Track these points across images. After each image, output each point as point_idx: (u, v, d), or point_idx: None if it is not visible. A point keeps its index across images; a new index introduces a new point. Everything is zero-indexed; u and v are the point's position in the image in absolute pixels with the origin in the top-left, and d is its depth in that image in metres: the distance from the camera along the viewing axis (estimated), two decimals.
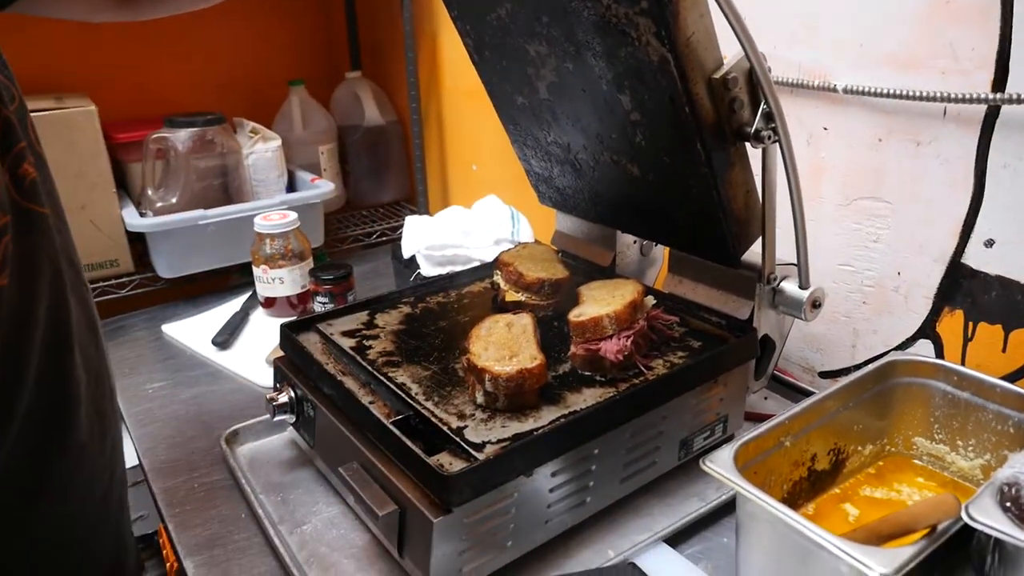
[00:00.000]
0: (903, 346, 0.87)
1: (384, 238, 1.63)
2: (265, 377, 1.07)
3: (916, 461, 0.78)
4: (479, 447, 0.66)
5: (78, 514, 0.63)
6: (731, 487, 0.61)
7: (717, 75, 0.69)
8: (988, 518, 0.51)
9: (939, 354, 0.85)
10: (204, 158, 1.38)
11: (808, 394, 0.93)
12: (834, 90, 0.85)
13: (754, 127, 0.71)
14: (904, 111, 0.81)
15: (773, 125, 0.71)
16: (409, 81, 1.57)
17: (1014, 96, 0.71)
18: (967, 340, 0.82)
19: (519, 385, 0.70)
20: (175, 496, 0.84)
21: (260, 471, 0.87)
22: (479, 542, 0.66)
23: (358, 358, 0.82)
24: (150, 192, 1.37)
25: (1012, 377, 0.77)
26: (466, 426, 0.70)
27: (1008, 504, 0.53)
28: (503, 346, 0.76)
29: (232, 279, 1.47)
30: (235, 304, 1.30)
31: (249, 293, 1.34)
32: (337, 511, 0.80)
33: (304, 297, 1.25)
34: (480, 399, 0.72)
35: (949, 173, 0.79)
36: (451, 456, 0.67)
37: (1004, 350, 0.79)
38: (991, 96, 0.73)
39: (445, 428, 0.70)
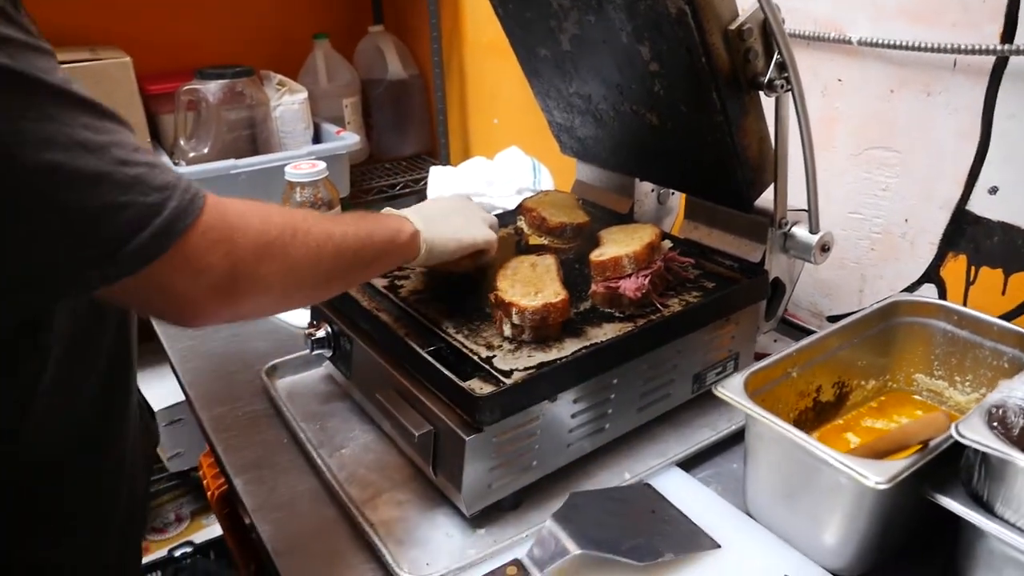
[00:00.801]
0: (909, 290, 0.92)
1: (407, 190, 1.68)
2: (299, 317, 1.13)
3: (916, 396, 0.83)
4: (507, 374, 0.72)
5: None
6: (740, 409, 0.66)
7: (733, 26, 0.72)
8: (976, 434, 0.56)
9: (942, 297, 0.89)
10: (234, 109, 1.42)
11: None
12: (849, 42, 0.88)
13: (767, 76, 0.74)
14: (916, 62, 0.84)
15: (786, 75, 0.75)
16: (432, 35, 1.60)
17: (1022, 47, 0.74)
18: (969, 284, 0.86)
19: (544, 318, 0.75)
20: (221, 423, 0.91)
21: (298, 402, 0.94)
22: (506, 461, 0.71)
23: (391, 296, 0.88)
24: (183, 142, 1.41)
25: (1009, 316, 0.82)
26: (495, 356, 0.75)
27: (995, 424, 0.58)
28: (528, 283, 0.81)
29: None
30: None
31: None
32: (372, 437, 0.87)
33: None
34: (508, 332, 0.78)
35: (957, 123, 0.82)
36: (481, 382, 0.72)
37: (1004, 292, 0.83)
38: (1000, 47, 0.76)
39: (475, 357, 0.75)
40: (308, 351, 0.93)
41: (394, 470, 0.81)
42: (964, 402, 0.80)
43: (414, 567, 0.68)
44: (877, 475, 0.57)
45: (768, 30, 0.73)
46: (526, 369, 0.72)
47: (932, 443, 0.60)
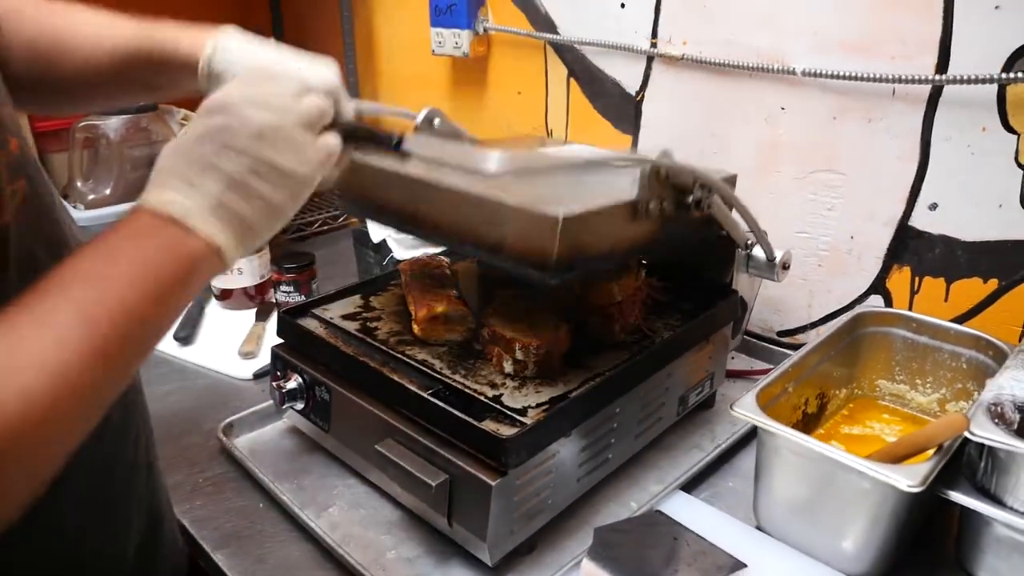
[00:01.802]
0: (856, 302, 0.98)
1: (325, 227, 1.60)
2: (239, 369, 1.05)
3: (880, 401, 0.89)
4: (522, 412, 0.70)
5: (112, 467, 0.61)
6: (759, 425, 0.68)
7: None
8: (986, 431, 0.61)
9: (888, 307, 0.96)
10: (138, 146, 1.31)
11: (773, 343, 1.03)
12: (793, 73, 0.94)
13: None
14: (857, 91, 0.91)
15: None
16: (348, 68, 1.55)
17: (955, 77, 0.82)
18: (913, 293, 0.93)
19: (549, 352, 0.74)
20: (182, 492, 0.82)
21: (265, 460, 0.86)
22: (527, 502, 0.69)
23: (368, 339, 0.83)
24: (79, 184, 1.28)
25: (955, 322, 0.89)
26: (501, 394, 0.73)
27: (996, 420, 0.63)
28: (521, 318, 0.79)
29: None
30: None
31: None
32: (358, 492, 0.81)
33: (263, 288, 1.23)
34: (508, 368, 0.75)
35: (898, 146, 0.89)
36: (495, 423, 0.69)
37: (946, 300, 0.90)
38: (935, 77, 0.84)
39: (481, 398, 0.72)
40: (275, 404, 0.86)
41: (392, 525, 0.76)
42: (926, 402, 0.86)
43: None
44: (909, 479, 0.59)
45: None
46: (539, 406, 0.71)
47: (946, 444, 0.64)
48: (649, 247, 0.75)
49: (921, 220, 0.90)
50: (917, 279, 0.93)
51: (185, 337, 1.11)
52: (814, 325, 1.04)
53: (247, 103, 0.50)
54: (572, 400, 0.71)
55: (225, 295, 1.22)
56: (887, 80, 0.87)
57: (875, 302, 0.96)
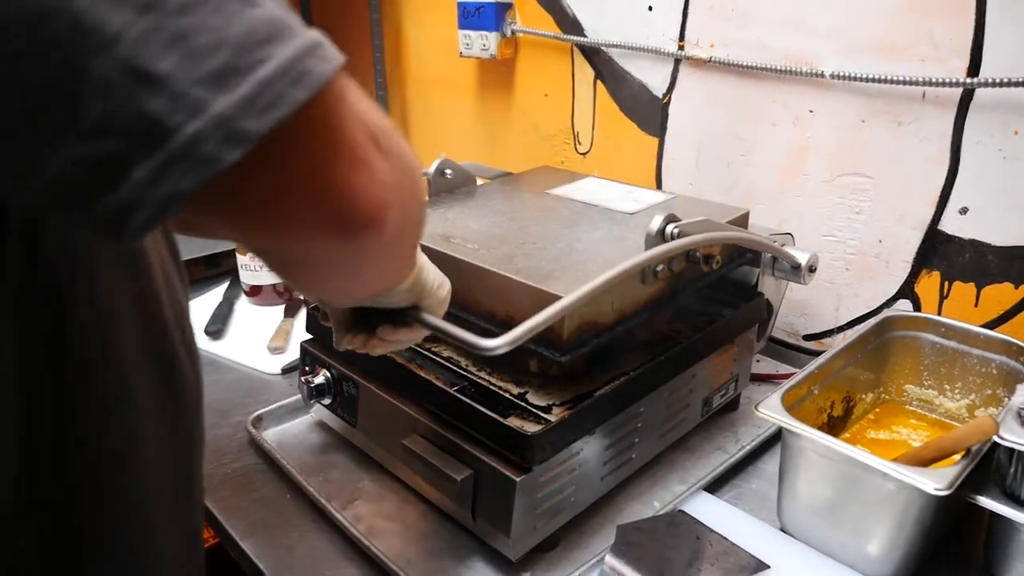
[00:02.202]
0: (884, 306, 0.97)
1: None
2: (268, 364, 1.07)
3: (908, 406, 0.88)
4: (547, 409, 0.70)
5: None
6: (784, 426, 0.68)
7: None
8: (1016, 436, 0.60)
9: (917, 311, 0.95)
10: None
11: (799, 350, 1.03)
12: (821, 76, 0.94)
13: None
14: (887, 94, 0.90)
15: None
16: (376, 69, 1.57)
17: (987, 80, 0.81)
18: (943, 298, 0.92)
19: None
20: (210, 482, 0.83)
21: (292, 453, 0.88)
22: (550, 499, 0.70)
23: None
24: None
25: (985, 327, 0.88)
26: (526, 392, 0.73)
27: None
28: None
29: (198, 271, 1.43)
30: (215, 295, 1.28)
31: (227, 283, 1.31)
32: (384, 486, 0.82)
33: (291, 288, 1.24)
34: (534, 367, 0.76)
35: (927, 150, 0.89)
36: (520, 420, 0.70)
37: (976, 305, 0.90)
38: (966, 80, 0.83)
39: (506, 395, 0.73)
40: (303, 399, 0.88)
41: (418, 519, 0.77)
42: (954, 408, 0.85)
43: None
44: (937, 482, 0.59)
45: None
46: (564, 404, 0.71)
47: (974, 448, 0.63)
48: (662, 304, 0.78)
49: (951, 224, 0.89)
50: (946, 284, 0.92)
51: (216, 332, 1.14)
52: (841, 329, 1.03)
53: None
54: (597, 399, 0.71)
55: (254, 291, 1.24)
56: (917, 83, 0.86)
57: (903, 307, 0.96)
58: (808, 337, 1.07)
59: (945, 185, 0.88)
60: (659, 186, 1.19)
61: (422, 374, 0.76)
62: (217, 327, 1.14)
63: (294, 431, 0.93)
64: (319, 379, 0.86)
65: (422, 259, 0.53)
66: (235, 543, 0.76)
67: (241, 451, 0.89)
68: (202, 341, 1.13)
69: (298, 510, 0.80)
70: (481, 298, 0.75)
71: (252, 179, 0.31)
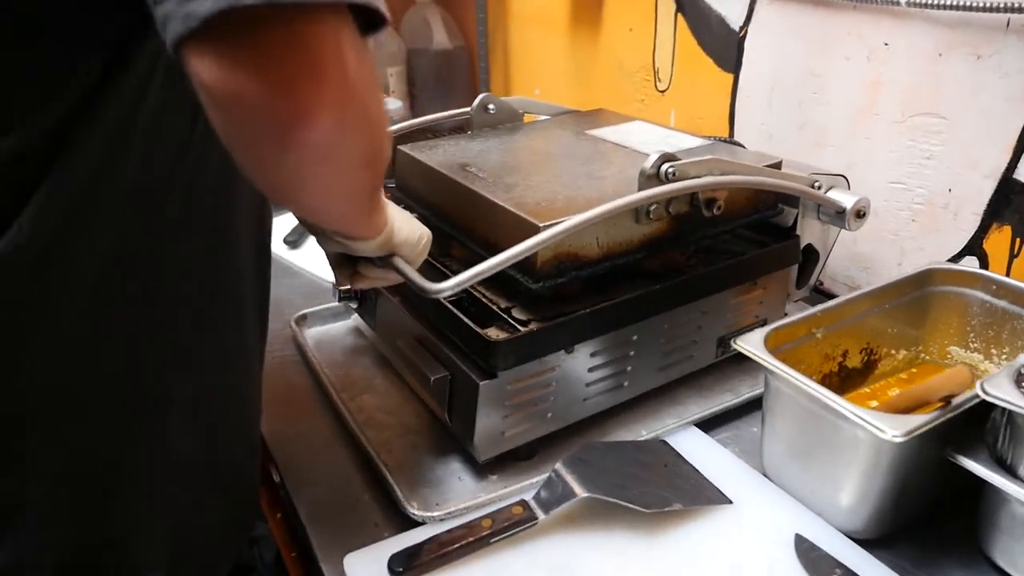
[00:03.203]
0: (951, 262, 0.88)
1: None
2: (331, 273, 1.15)
3: (950, 369, 0.80)
4: (524, 323, 0.72)
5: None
6: (758, 362, 0.65)
7: None
8: (1002, 392, 0.54)
9: (984, 270, 0.85)
10: None
11: None
12: (897, 3, 0.85)
13: None
14: (967, 23, 0.80)
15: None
16: (477, 5, 1.60)
17: None
18: (1013, 256, 0.82)
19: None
20: None
21: (325, 351, 0.95)
22: (521, 410, 0.72)
23: None
24: None
25: None
26: (513, 306, 0.75)
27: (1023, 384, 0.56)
28: None
29: None
30: None
31: None
32: (394, 385, 0.88)
33: None
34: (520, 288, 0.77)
35: (1008, 87, 0.79)
36: (499, 330, 0.72)
37: None
38: None
39: (494, 307, 0.75)
40: (336, 299, 0.95)
41: (412, 416, 0.82)
42: None
43: (424, 505, 0.69)
44: (894, 428, 0.55)
45: None
46: (543, 320, 0.72)
47: (955, 400, 0.58)
48: (660, 246, 0.75)
49: None
50: (1018, 240, 0.82)
51: (293, 241, 1.24)
52: None
53: None
54: (574, 317, 0.72)
55: None
56: (1000, 9, 0.76)
57: (969, 264, 0.86)
58: None
59: None
60: (731, 126, 1.14)
61: None
62: (295, 237, 1.24)
63: (333, 332, 1.01)
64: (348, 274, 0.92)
65: (395, 221, 0.62)
66: None
67: (285, 343, 0.98)
68: (281, 249, 1.24)
69: (314, 396, 0.87)
70: (476, 224, 0.77)
71: (241, 37, 0.36)
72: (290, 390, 0.89)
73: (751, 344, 0.66)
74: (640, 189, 0.69)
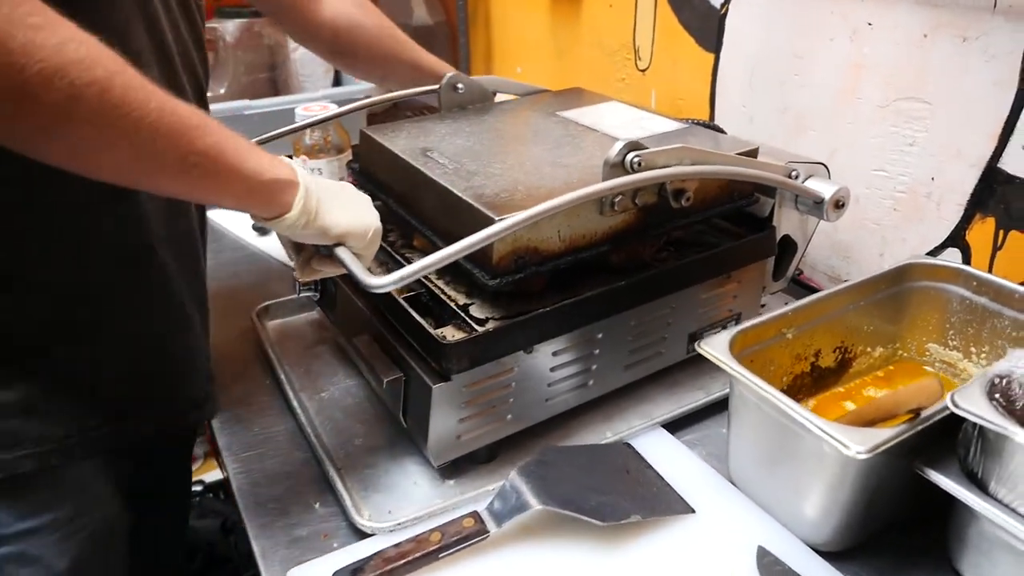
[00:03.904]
0: (932, 254, 0.85)
1: None
2: None
3: (928, 367, 0.78)
4: (481, 322, 0.69)
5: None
6: (722, 368, 0.62)
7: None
8: (972, 405, 0.51)
9: (967, 263, 0.82)
10: (252, 50, 1.40)
11: None
12: None
13: None
14: (953, 3, 0.76)
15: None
16: None
17: None
18: (996, 249, 0.79)
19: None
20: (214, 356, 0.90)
21: (287, 344, 0.92)
22: (478, 412, 0.69)
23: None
24: None
25: None
26: (472, 303, 0.72)
27: (997, 395, 0.53)
28: None
29: None
30: None
31: None
32: (354, 383, 0.85)
33: None
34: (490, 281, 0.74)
35: (995, 71, 0.75)
36: (455, 329, 0.69)
37: None
38: None
39: (452, 304, 0.72)
40: (295, 290, 0.92)
41: (370, 416, 0.80)
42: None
43: (376, 513, 0.67)
44: (858, 444, 0.52)
45: None
46: (501, 318, 0.69)
47: (924, 413, 0.55)
48: (626, 238, 0.72)
49: (1013, 162, 0.75)
50: (1001, 232, 0.78)
51: (261, 228, 1.20)
52: None
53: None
54: (532, 317, 0.68)
55: None
56: None
57: (951, 256, 0.83)
58: None
59: (1011, 114, 0.74)
60: (712, 108, 1.10)
61: None
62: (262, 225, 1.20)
63: (296, 324, 0.97)
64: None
65: (326, 208, 0.60)
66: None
67: (246, 335, 0.95)
68: (250, 236, 1.20)
69: (271, 394, 0.84)
70: (436, 215, 0.74)
71: None
72: (248, 387, 0.86)
73: (715, 348, 0.63)
74: (604, 179, 0.66)
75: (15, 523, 0.65)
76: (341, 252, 0.60)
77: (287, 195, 0.57)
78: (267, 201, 0.56)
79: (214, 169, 0.52)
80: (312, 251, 0.66)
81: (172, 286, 0.71)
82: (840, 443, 0.52)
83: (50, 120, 0.44)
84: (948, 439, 0.56)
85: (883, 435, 0.53)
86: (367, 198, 0.67)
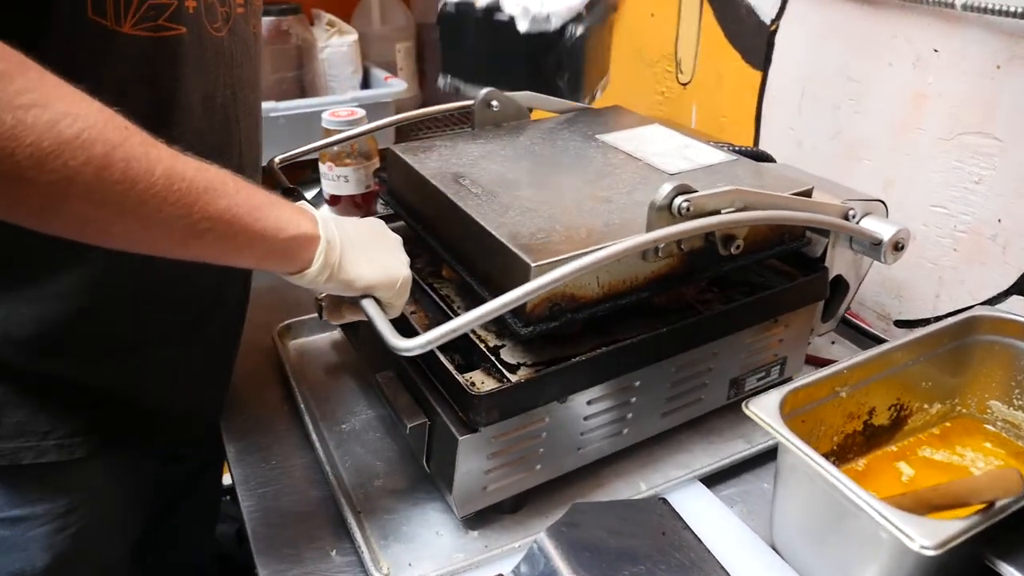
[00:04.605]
0: (993, 301, 0.80)
1: None
2: None
3: (988, 426, 0.72)
4: (513, 368, 0.65)
5: None
6: (771, 434, 0.57)
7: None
8: None
9: None
10: (279, 49, 1.36)
11: (880, 342, 0.88)
12: (951, 6, 0.75)
13: None
14: None
15: None
16: None
17: None
18: None
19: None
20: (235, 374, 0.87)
21: (307, 367, 0.89)
22: (506, 463, 0.65)
23: None
24: None
25: None
26: (503, 345, 0.68)
27: None
28: None
29: (306, 173, 1.48)
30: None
31: (317, 190, 1.34)
32: (376, 415, 0.82)
33: (369, 197, 1.24)
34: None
35: None
36: (484, 375, 0.65)
37: None
38: None
39: (482, 345, 0.68)
40: (318, 314, 0.88)
41: (393, 454, 0.76)
42: None
43: (396, 567, 0.63)
44: (924, 537, 0.47)
45: None
46: (535, 365, 0.65)
47: (999, 504, 0.50)
48: (669, 283, 0.67)
49: None
50: None
51: None
52: (940, 319, 0.86)
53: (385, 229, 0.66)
54: (571, 365, 0.64)
55: (334, 201, 1.25)
56: None
57: (1016, 305, 0.78)
58: (900, 324, 0.91)
59: None
60: (757, 127, 1.04)
61: (406, 311, 0.73)
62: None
63: (318, 344, 0.94)
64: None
65: (348, 261, 0.57)
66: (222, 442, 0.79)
67: (266, 354, 0.92)
68: None
69: (290, 422, 0.82)
70: (466, 248, 0.70)
71: None
72: (265, 411, 0.83)
73: (765, 411, 0.59)
74: (649, 223, 0.61)
75: (6, 508, 0.67)
76: (367, 305, 0.58)
77: (307, 252, 0.54)
78: (287, 260, 0.54)
79: (229, 232, 0.49)
80: (340, 297, 0.64)
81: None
82: (905, 535, 0.48)
83: (47, 200, 0.42)
84: (1019, 529, 0.52)
85: (953, 528, 0.48)
86: (397, 240, 0.64)
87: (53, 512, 0.69)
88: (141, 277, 0.65)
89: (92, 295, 0.64)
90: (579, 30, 0.93)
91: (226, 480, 1.63)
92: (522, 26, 0.92)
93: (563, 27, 0.93)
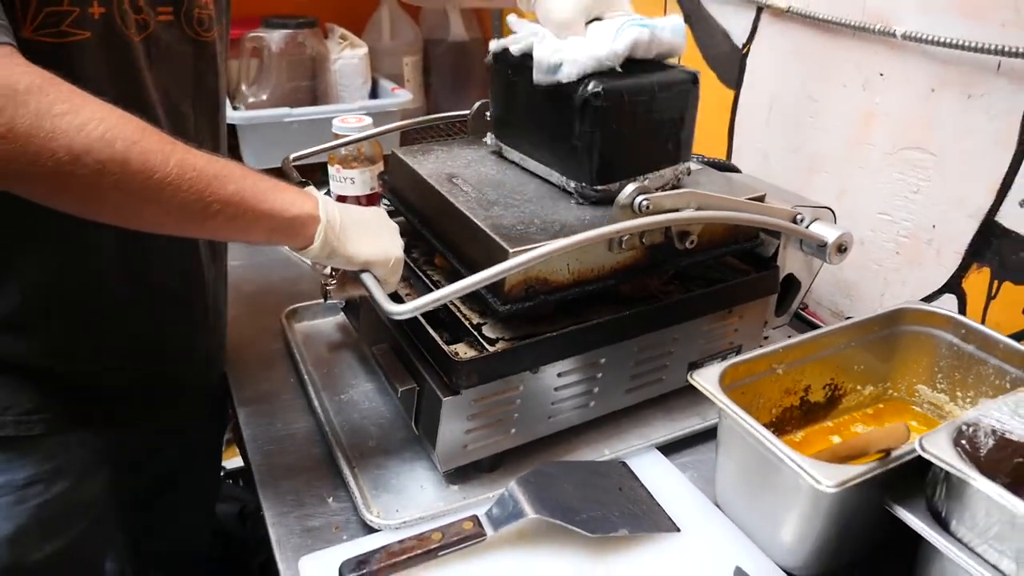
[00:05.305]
0: (929, 299, 0.88)
1: None
2: None
3: (915, 407, 0.81)
4: (492, 342, 0.74)
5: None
6: (712, 400, 0.66)
7: None
8: (937, 449, 0.55)
9: (962, 309, 0.85)
10: (295, 59, 1.47)
11: None
12: (893, 35, 0.84)
13: None
14: (960, 61, 0.80)
15: None
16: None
17: None
18: (990, 298, 0.82)
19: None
20: (240, 356, 0.96)
21: (312, 346, 0.99)
22: (484, 425, 0.74)
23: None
24: (244, 88, 1.47)
25: (1021, 336, 0.78)
26: (485, 323, 0.77)
27: (963, 441, 0.57)
28: None
29: (316, 176, 1.58)
30: None
31: (324, 191, 1.44)
32: (372, 387, 0.91)
33: (373, 199, 1.34)
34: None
35: (995, 128, 0.78)
36: (468, 347, 0.74)
37: None
38: None
39: (467, 323, 0.77)
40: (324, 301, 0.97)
41: (385, 421, 0.85)
42: None
43: (384, 511, 0.72)
44: (828, 479, 0.56)
45: None
46: (511, 339, 0.74)
47: (894, 453, 0.59)
48: (632, 274, 0.76)
49: (1009, 217, 0.79)
50: (996, 283, 0.82)
51: None
52: None
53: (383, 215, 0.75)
54: (539, 340, 0.73)
55: (340, 200, 1.35)
56: (992, 51, 0.75)
57: (948, 302, 0.86)
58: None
59: (1009, 171, 0.78)
60: (730, 141, 1.14)
61: (401, 293, 0.82)
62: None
63: (322, 327, 1.04)
64: (334, 281, 0.95)
65: (350, 238, 0.66)
66: (235, 407, 0.88)
67: (275, 337, 1.02)
68: None
69: (295, 392, 0.91)
70: (456, 239, 0.79)
71: None
72: (272, 384, 0.92)
73: (706, 380, 0.68)
74: (612, 220, 0.70)
75: None
76: (365, 278, 0.67)
77: (309, 229, 0.63)
78: (291, 236, 0.63)
79: (238, 213, 0.58)
80: (346, 272, 0.73)
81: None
82: (812, 478, 0.57)
83: (88, 191, 0.52)
84: (918, 478, 0.60)
85: (852, 472, 0.57)
86: (394, 227, 0.73)
87: (12, 484, 0.74)
88: (96, 261, 0.72)
89: (49, 281, 0.71)
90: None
91: (232, 464, 1.72)
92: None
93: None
